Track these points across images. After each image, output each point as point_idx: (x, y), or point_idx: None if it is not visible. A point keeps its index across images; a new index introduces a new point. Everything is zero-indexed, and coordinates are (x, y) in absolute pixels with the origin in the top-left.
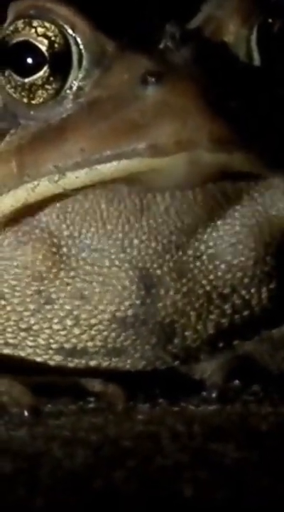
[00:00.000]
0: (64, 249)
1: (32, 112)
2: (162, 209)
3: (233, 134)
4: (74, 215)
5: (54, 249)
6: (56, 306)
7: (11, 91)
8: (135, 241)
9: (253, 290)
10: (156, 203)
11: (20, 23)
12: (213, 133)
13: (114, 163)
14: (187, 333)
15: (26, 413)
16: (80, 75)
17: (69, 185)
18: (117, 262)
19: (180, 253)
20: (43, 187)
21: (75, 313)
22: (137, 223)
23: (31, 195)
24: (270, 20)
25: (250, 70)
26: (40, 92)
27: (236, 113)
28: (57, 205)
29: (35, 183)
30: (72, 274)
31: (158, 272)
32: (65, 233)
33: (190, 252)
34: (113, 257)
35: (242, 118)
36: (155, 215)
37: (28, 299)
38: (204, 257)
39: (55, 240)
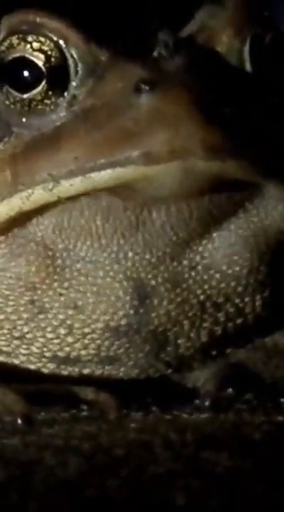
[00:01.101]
0: (59, 261)
1: (25, 121)
2: (157, 225)
3: (227, 141)
4: (70, 230)
5: (48, 261)
6: (49, 316)
7: (10, 106)
8: (130, 253)
9: (247, 299)
10: (152, 219)
11: (14, 39)
12: (206, 141)
13: (108, 171)
14: (180, 341)
15: (19, 421)
16: (74, 84)
17: (63, 193)
18: (111, 273)
19: (175, 264)
20: (38, 195)
21: (69, 322)
22: (132, 238)
23: (26, 204)
24: (262, 33)
25: (242, 79)
26: (39, 106)
27: (228, 121)
28: (53, 220)
29: (30, 191)
30: (65, 284)
31: (153, 282)
32: (60, 246)
33: (185, 262)
34: (107, 268)
35: (235, 126)
36: (150, 231)
37: (22, 308)
38: (199, 267)
39: (50, 253)
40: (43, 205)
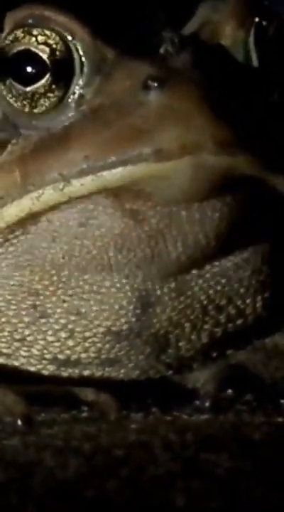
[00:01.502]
0: (66, 272)
1: (33, 122)
2: (173, 256)
3: (237, 136)
4: (81, 259)
5: (53, 272)
6: (51, 320)
7: (12, 100)
8: (139, 272)
9: (248, 300)
10: (167, 250)
11: (19, 32)
12: (217, 136)
13: (120, 169)
14: (180, 344)
15: (19, 422)
16: (81, 83)
17: (74, 193)
18: (118, 285)
19: (183, 273)
20: (48, 195)
21: (70, 327)
22: (145, 266)
23: (36, 204)
24: (265, 22)
25: (248, 72)
26: (42, 100)
27: (237, 116)
28: (65, 247)
29: (40, 191)
30: (70, 292)
31: (158, 292)
32: (70, 266)
33: (194, 272)
34: (115, 280)
35: (243, 121)
36: (164, 259)
37: (23, 312)
38: (208, 275)
39: (57, 267)
40: (53, 205)
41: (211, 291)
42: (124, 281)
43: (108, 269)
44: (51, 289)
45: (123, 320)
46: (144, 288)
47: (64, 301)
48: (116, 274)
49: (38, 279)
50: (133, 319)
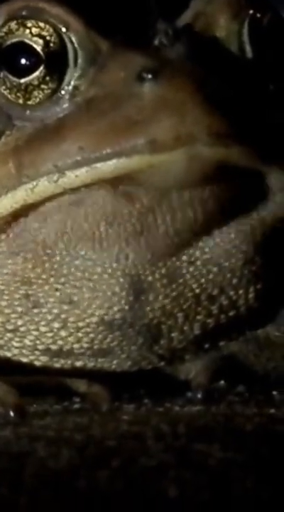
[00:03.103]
0: (57, 258)
1: (27, 113)
2: (162, 230)
3: (231, 128)
4: (72, 235)
5: (45, 258)
6: (44, 310)
7: (6, 92)
8: (131, 254)
9: (240, 291)
10: (157, 225)
11: (13, 24)
12: (211, 127)
13: (114, 160)
14: (173, 334)
15: (11, 413)
16: (76, 74)
17: (69, 184)
18: (109, 270)
19: (174, 259)
20: (42, 187)
21: (63, 316)
22: (135, 242)
23: (30, 196)
24: (259, 14)
25: (243, 64)
26: (36, 92)
27: (232, 107)
28: (56, 225)
29: (34, 183)
30: (62, 280)
31: (149, 278)
32: (61, 246)
33: (184, 257)
34: (106, 265)
35: (238, 112)
36: (154, 235)
37: (16, 302)
38: (198, 263)
39: (49, 251)
40: (48, 197)
41: (203, 280)
42: (115, 265)
43: (99, 245)
44: (43, 276)
45: (116, 308)
46: (135, 273)
47: (56, 290)
48: (107, 254)
49: (31, 266)
50: (126, 307)
